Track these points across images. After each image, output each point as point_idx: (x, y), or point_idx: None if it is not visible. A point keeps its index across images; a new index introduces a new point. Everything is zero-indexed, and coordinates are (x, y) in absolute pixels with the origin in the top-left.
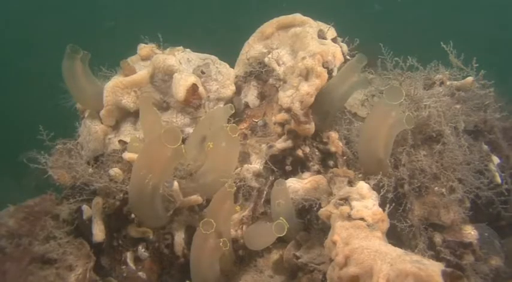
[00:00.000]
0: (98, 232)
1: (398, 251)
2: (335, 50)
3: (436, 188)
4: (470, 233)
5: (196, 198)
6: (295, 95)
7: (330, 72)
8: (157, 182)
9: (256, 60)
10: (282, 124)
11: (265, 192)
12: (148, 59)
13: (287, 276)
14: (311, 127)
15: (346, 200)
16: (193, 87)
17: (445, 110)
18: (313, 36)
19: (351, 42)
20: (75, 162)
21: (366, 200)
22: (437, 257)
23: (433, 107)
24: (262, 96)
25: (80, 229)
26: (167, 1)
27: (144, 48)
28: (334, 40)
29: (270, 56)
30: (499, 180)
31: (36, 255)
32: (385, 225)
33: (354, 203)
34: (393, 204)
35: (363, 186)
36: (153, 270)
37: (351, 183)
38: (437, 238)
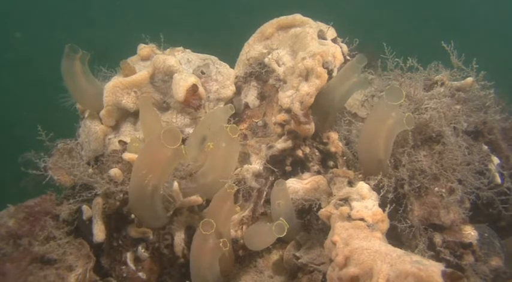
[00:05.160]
0: (99, 232)
1: (398, 251)
2: (335, 51)
3: (436, 189)
4: (470, 233)
5: (196, 198)
6: (295, 95)
7: (329, 72)
8: (157, 182)
9: (256, 60)
10: (282, 124)
11: (265, 193)
12: (149, 59)
13: (287, 276)
14: (311, 127)
15: (346, 200)
16: (193, 88)
17: (446, 111)
18: (313, 37)
19: (350, 43)
20: (75, 163)
21: (365, 201)
22: (437, 258)
23: (434, 109)
24: (262, 97)
25: (80, 229)
26: (167, 1)
27: (144, 49)
28: (334, 40)
29: (270, 56)
30: (499, 180)
31: (36, 255)
32: (385, 225)
33: (353, 204)
34: (393, 205)
35: (362, 186)
36: (153, 270)
37: (350, 183)
38: (437, 238)
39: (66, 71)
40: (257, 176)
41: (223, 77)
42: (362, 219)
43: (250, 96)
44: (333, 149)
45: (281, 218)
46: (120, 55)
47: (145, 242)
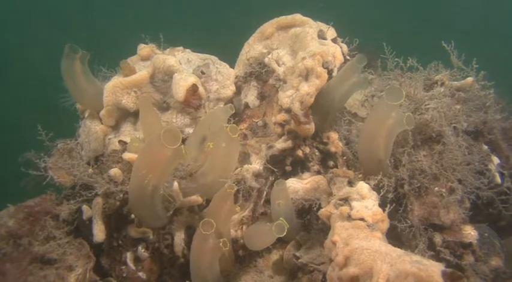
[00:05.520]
0: (99, 232)
1: (398, 251)
2: (335, 51)
3: (436, 189)
4: (470, 233)
5: (196, 198)
6: (295, 95)
7: (329, 72)
8: (157, 182)
9: (256, 60)
10: (282, 124)
11: (265, 193)
12: (149, 59)
13: (287, 276)
14: (311, 127)
15: (346, 200)
16: (193, 88)
17: (446, 111)
18: (313, 37)
19: (350, 43)
20: (75, 163)
21: (365, 200)
22: (437, 258)
23: (434, 109)
24: (262, 97)
25: (80, 229)
26: (168, 1)
27: (144, 49)
28: (334, 40)
29: (270, 56)
30: (499, 180)
31: (36, 255)
32: (385, 225)
33: (353, 203)
34: (393, 205)
35: (362, 186)
36: (153, 270)
37: (350, 183)
38: (437, 238)
39: (66, 71)
40: (257, 176)
41: (223, 77)
42: (362, 219)
43: (250, 96)
44: (333, 149)
45: (281, 218)
46: (120, 55)
47: (145, 242)
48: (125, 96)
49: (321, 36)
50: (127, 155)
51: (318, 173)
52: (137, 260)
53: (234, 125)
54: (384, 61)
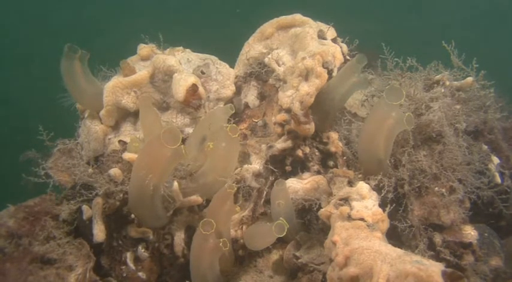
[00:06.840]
0: (99, 232)
1: (399, 251)
2: (335, 50)
3: (436, 189)
4: (470, 233)
5: (196, 198)
6: (295, 95)
7: (329, 72)
8: (157, 182)
9: (256, 60)
10: (281, 124)
11: (265, 193)
12: (148, 59)
13: (287, 276)
14: (311, 127)
15: (346, 200)
16: (193, 88)
17: (446, 111)
18: (313, 37)
19: (350, 43)
20: (76, 163)
21: (365, 200)
22: (437, 258)
23: (437, 109)
24: (262, 97)
25: (80, 229)
26: (168, 1)
27: (144, 49)
28: (334, 40)
29: (270, 56)
30: (499, 180)
31: (36, 255)
32: (385, 225)
33: (353, 203)
34: (393, 205)
35: (362, 186)
36: (153, 270)
37: (350, 183)
38: (437, 238)
39: (65, 71)
40: (257, 175)
41: (223, 77)
42: (362, 219)
43: (250, 96)
44: (333, 149)
45: (281, 218)
46: (120, 55)
47: (145, 242)
48: (125, 96)
49: (321, 36)
50: (127, 155)
51: (318, 173)
52: (137, 260)
53: (234, 125)
54: (384, 61)
